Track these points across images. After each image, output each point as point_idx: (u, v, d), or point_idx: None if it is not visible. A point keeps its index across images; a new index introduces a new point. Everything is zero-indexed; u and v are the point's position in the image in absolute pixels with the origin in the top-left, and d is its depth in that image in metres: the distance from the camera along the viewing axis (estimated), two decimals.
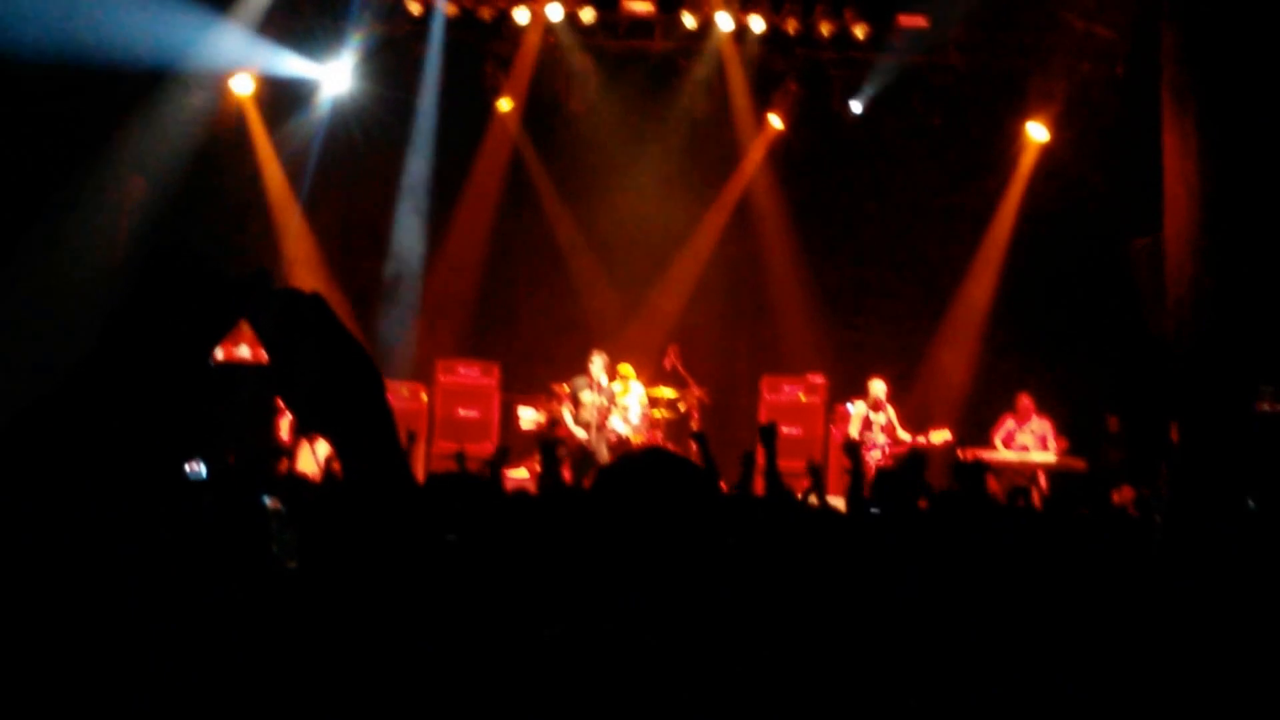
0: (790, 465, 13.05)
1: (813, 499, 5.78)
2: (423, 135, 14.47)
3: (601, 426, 12.84)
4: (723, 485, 4.34)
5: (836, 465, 13.23)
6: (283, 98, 13.90)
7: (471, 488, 4.12)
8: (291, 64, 13.63)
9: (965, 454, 12.63)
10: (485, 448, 13.34)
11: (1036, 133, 14.25)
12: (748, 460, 4.94)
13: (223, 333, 2.07)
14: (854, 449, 4.92)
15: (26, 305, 11.04)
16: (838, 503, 10.81)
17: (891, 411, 13.00)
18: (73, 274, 11.29)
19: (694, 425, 13.61)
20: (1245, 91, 10.12)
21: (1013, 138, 14.39)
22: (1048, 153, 14.24)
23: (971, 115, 14.22)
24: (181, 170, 12.92)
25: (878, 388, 13.00)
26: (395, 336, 14.35)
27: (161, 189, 12.77)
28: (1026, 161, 14.44)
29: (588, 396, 12.84)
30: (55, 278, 11.29)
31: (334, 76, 13.89)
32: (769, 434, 5.11)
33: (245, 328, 1.93)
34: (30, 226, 11.27)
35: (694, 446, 6.24)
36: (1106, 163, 13.00)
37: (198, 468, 6.00)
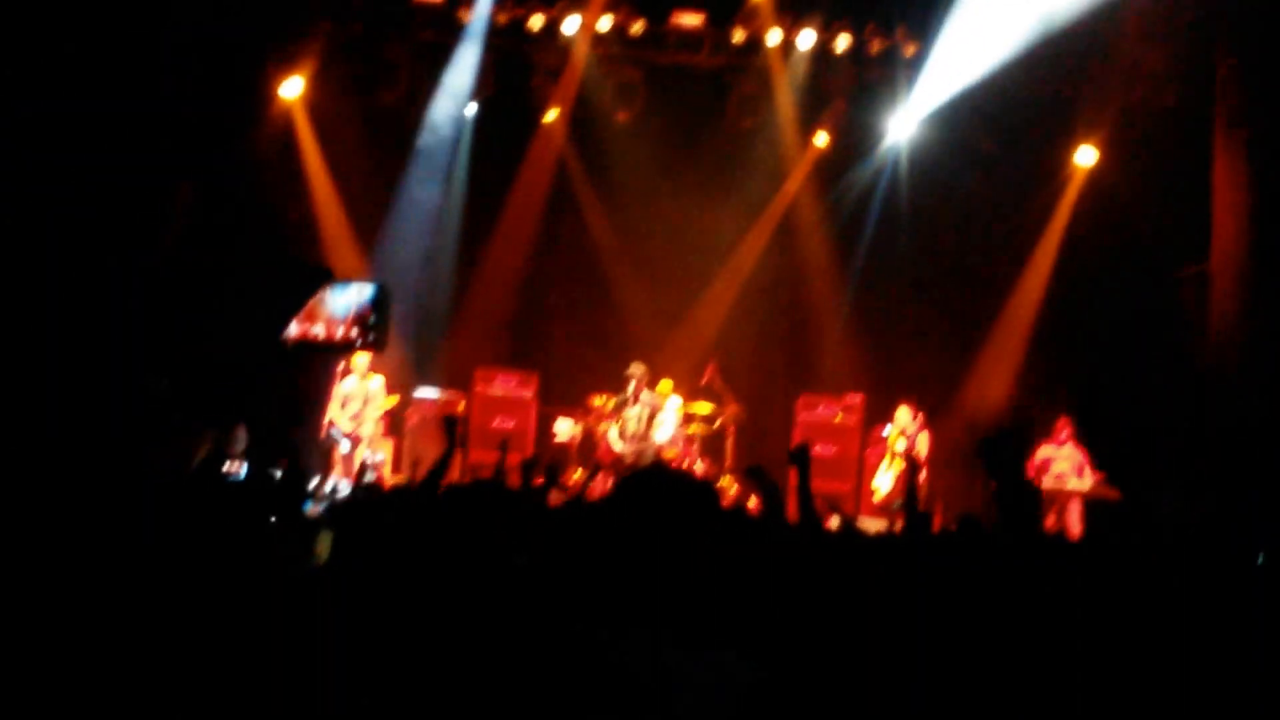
0: (826, 486, 13.06)
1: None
2: (467, 144, 14.55)
3: (644, 438, 12.84)
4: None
5: (869, 486, 13.21)
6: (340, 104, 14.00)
7: (506, 501, 4.12)
8: None
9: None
10: (519, 457, 13.39)
11: (1085, 158, 14.16)
12: (770, 487, 4.90)
13: (293, 314, 2.11)
14: (913, 464, 4.88)
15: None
16: (869, 524, 10.82)
17: (921, 438, 12.96)
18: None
19: (730, 443, 13.60)
20: None
21: (1061, 163, 14.30)
22: (1095, 179, 14.14)
23: (1020, 139, 14.14)
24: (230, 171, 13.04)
25: (905, 414, 13.00)
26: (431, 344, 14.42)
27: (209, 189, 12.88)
28: (1074, 187, 14.33)
29: (631, 411, 12.86)
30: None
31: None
32: (801, 456, 5.07)
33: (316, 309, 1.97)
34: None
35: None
36: (1154, 190, 12.89)
37: (238, 470, 6.04)
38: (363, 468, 12.00)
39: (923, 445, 12.81)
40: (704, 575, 2.42)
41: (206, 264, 12.17)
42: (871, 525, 10.73)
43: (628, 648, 2.36)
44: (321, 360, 12.54)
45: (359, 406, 12.71)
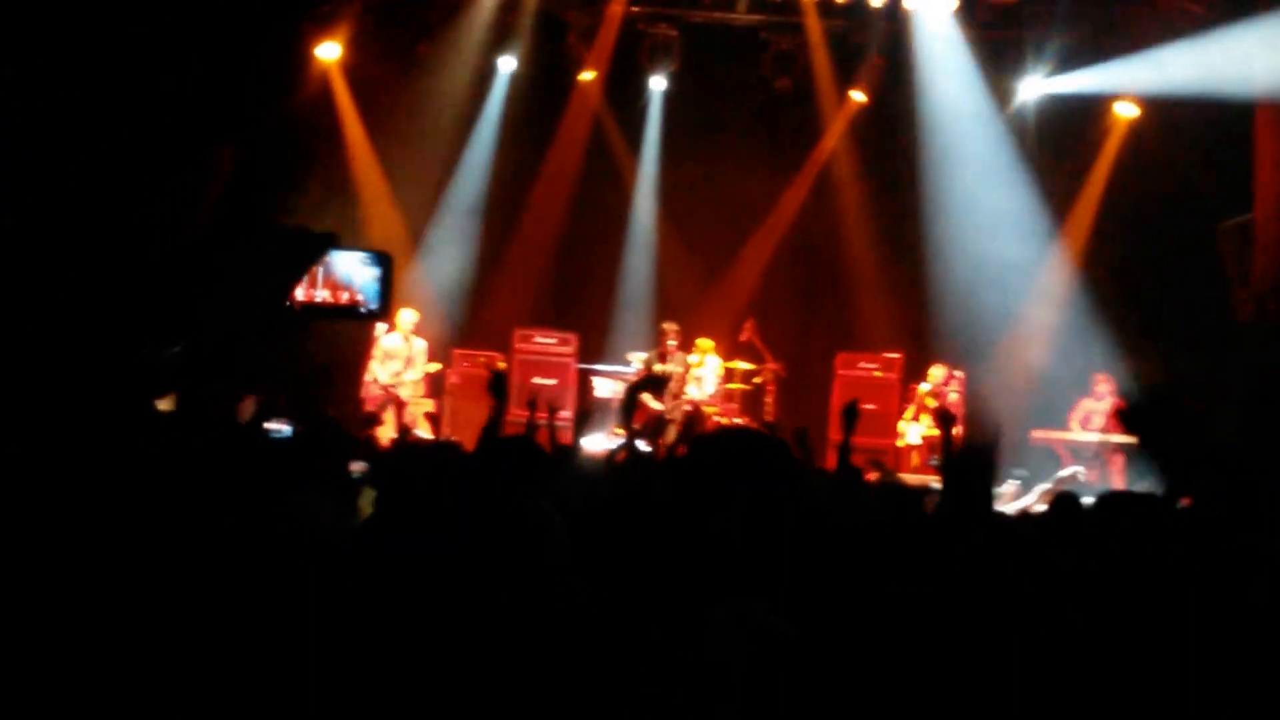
0: (864, 442, 13.10)
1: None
2: (505, 103, 14.58)
3: (678, 395, 12.91)
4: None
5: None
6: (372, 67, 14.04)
7: (541, 453, 4.19)
8: None
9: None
10: (560, 416, 13.47)
11: (1125, 111, 14.03)
12: (802, 436, 4.96)
13: (298, 277, 2.18)
14: (947, 417, 4.87)
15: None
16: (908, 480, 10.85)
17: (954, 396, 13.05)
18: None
19: (768, 401, 13.65)
20: None
21: (1100, 116, 14.18)
22: (1136, 131, 14.02)
23: (1059, 89, 14.02)
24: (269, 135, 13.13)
25: (939, 372, 13.07)
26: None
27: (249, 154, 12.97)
28: (1114, 140, 14.22)
29: (661, 366, 12.91)
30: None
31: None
32: (851, 413, 5.14)
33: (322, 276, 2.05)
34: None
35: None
36: (1196, 142, 12.77)
37: (282, 427, 6.14)
38: (404, 429, 12.10)
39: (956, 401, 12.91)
40: (766, 531, 2.46)
41: (242, 230, 12.34)
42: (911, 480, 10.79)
43: (663, 603, 2.42)
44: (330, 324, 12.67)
45: (400, 366, 12.79)
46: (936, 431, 12.61)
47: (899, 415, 13.68)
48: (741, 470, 2.50)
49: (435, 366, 13.07)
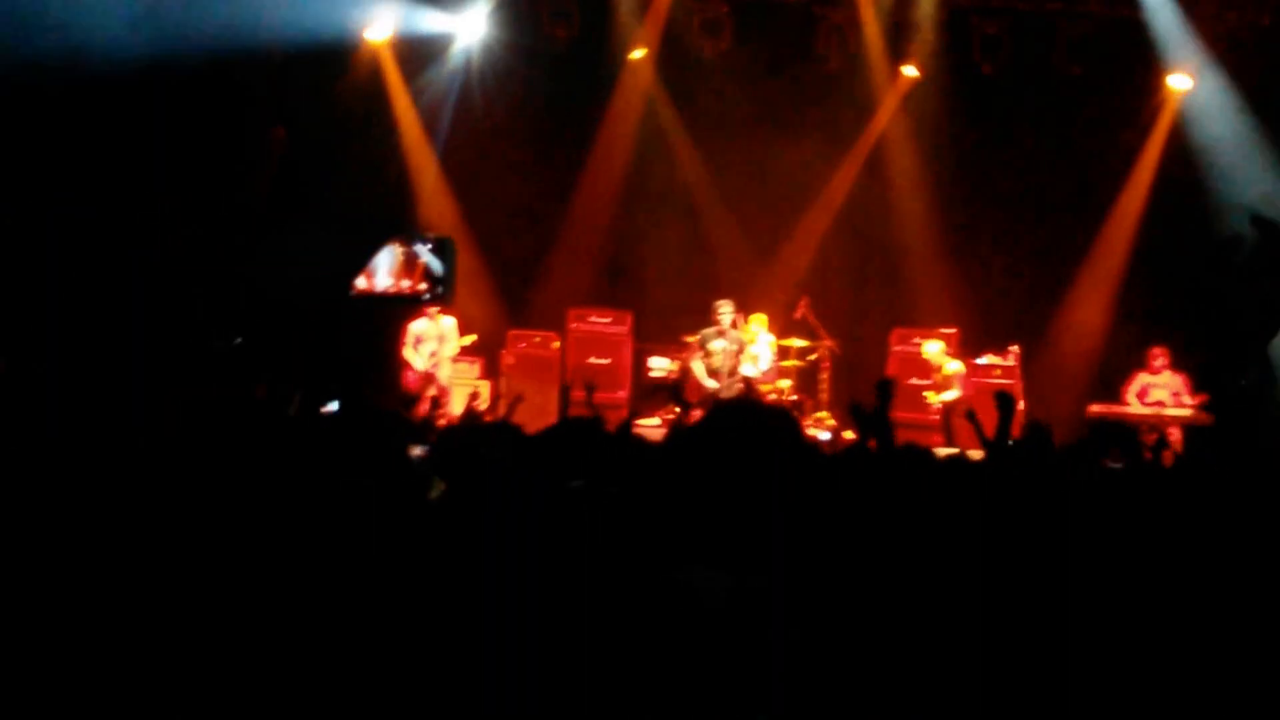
0: (920, 418, 13.09)
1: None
2: (555, 83, 14.59)
3: (732, 373, 12.91)
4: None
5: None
6: (419, 50, 14.09)
7: (599, 434, 4.23)
8: (428, 18, 13.83)
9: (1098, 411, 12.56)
10: (616, 396, 13.54)
11: (1179, 84, 13.88)
12: (858, 413, 4.96)
13: (362, 266, 2.25)
14: (1007, 399, 4.86)
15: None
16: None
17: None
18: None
19: (824, 377, 13.64)
20: None
21: (1154, 89, 14.03)
22: (1189, 103, 13.87)
23: (1112, 66, 13.91)
24: (321, 119, 13.24)
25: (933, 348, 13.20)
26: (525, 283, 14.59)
27: (302, 138, 13.09)
28: (1168, 113, 14.08)
29: (717, 345, 12.90)
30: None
31: (468, 26, 14.06)
32: (885, 389, 5.13)
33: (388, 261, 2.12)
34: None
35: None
36: (1250, 114, 12.63)
37: (332, 406, 6.22)
38: (433, 403, 12.06)
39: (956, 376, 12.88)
40: (773, 501, 2.50)
41: (297, 211, 12.48)
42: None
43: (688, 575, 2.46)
44: (389, 309, 12.78)
45: (435, 345, 12.87)
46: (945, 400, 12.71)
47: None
48: (740, 441, 2.53)
49: (470, 339, 13.10)
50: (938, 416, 13.11)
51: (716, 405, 2.77)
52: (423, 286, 12.53)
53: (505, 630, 2.61)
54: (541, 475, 3.49)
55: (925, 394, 13.21)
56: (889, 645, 2.59)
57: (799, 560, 2.51)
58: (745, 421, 2.63)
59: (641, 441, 4.67)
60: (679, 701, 2.32)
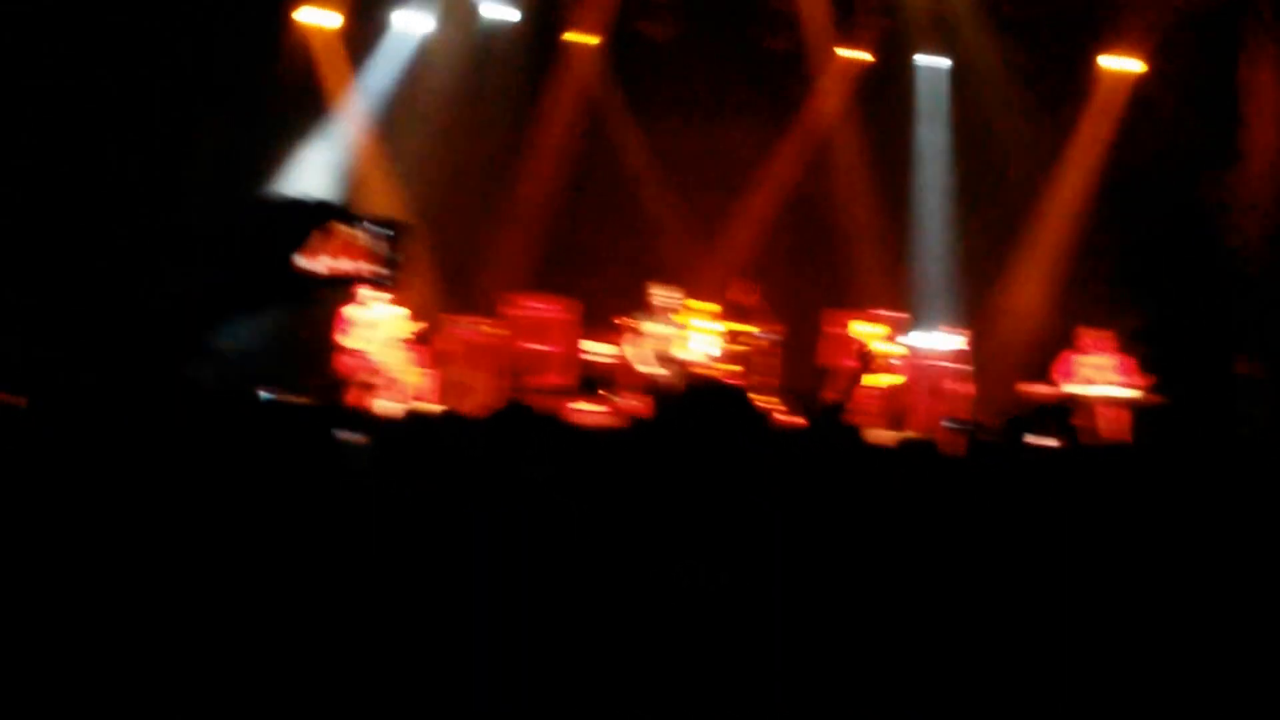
0: (857, 403, 13.10)
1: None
2: (497, 64, 14.45)
3: (670, 358, 12.86)
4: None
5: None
6: (362, 33, 13.92)
7: (541, 422, 4.15)
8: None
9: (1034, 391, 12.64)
10: (556, 382, 13.43)
11: (1122, 65, 14.00)
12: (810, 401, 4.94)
13: (298, 246, 2.16)
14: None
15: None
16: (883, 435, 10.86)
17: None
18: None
19: (766, 361, 13.61)
20: None
21: (1098, 70, 14.14)
22: (1133, 86, 13.98)
23: (1055, 48, 13.99)
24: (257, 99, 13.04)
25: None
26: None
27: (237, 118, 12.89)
28: (1104, 94, 14.19)
29: (651, 328, 12.85)
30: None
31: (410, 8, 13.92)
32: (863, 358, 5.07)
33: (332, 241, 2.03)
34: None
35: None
36: (1187, 95, 12.75)
37: (266, 393, 6.10)
38: (412, 403, 11.91)
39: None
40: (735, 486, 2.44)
41: (231, 193, 12.28)
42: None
43: (643, 558, 2.40)
44: (332, 292, 12.55)
45: (372, 331, 12.59)
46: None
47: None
48: (706, 428, 2.48)
49: (412, 327, 12.79)
50: (874, 400, 13.13)
51: (673, 394, 2.69)
52: (369, 270, 12.30)
53: (474, 624, 2.54)
54: (507, 467, 3.41)
55: (862, 377, 13.21)
56: (872, 637, 2.54)
57: (781, 550, 2.45)
58: (711, 410, 2.56)
59: (584, 428, 4.61)
60: (665, 695, 2.26)
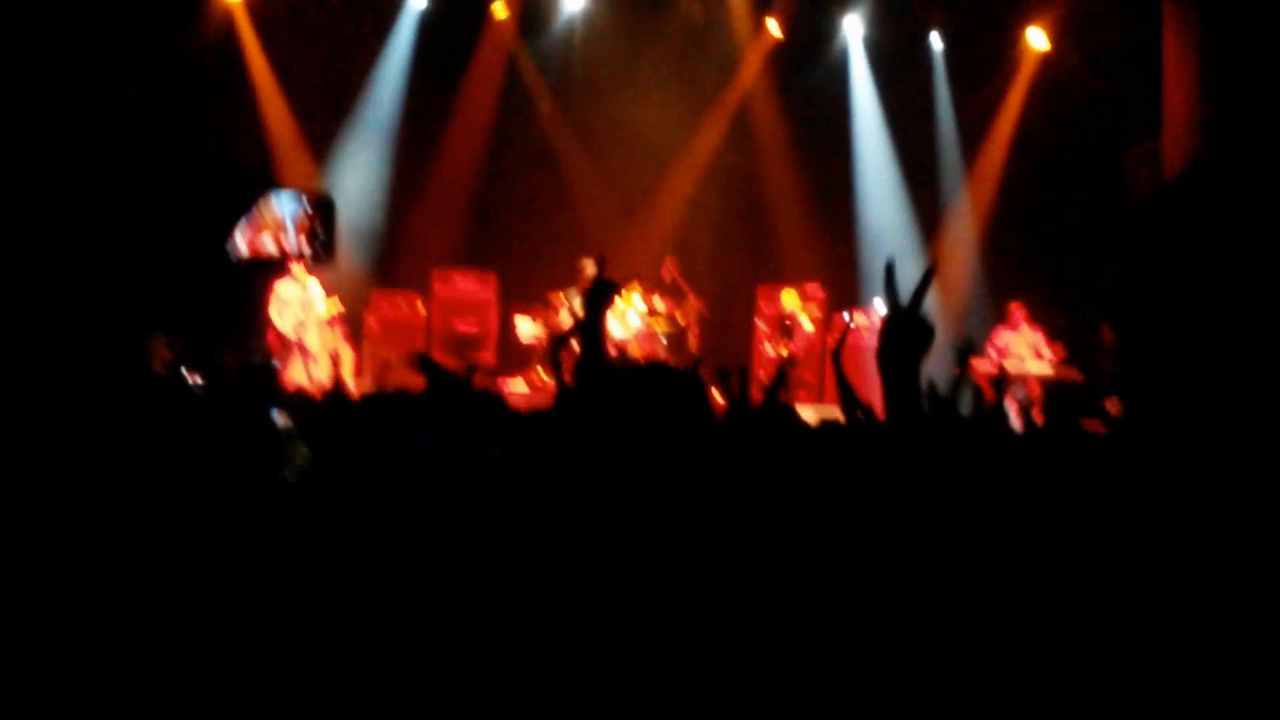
0: (791, 376, 13.18)
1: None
2: (418, 39, 14.31)
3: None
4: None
5: (833, 376, 13.33)
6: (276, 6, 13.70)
7: (475, 400, 4.12)
8: None
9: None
10: (482, 357, 13.38)
11: (1037, 40, 14.13)
12: (731, 375, 4.89)
13: (234, 221, 2.12)
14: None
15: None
16: (809, 413, 10.94)
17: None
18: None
19: (692, 338, 13.64)
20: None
21: (1013, 44, 14.27)
22: (1048, 60, 14.13)
23: (971, 22, 14.10)
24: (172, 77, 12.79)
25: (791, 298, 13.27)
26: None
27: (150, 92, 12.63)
28: (1026, 69, 14.34)
29: (581, 303, 12.80)
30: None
31: None
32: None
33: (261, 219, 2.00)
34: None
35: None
36: (1107, 70, 12.90)
37: (196, 380, 6.01)
38: (336, 375, 11.71)
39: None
40: (679, 467, 2.44)
41: (150, 171, 12.04)
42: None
43: (590, 538, 2.39)
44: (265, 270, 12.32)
45: (299, 310, 12.40)
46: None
47: (821, 347, 13.76)
48: (649, 407, 2.48)
49: (335, 304, 12.57)
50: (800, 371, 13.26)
51: (613, 372, 2.68)
52: (301, 244, 12.08)
53: (426, 606, 2.51)
54: (457, 443, 3.37)
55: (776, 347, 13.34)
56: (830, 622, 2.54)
57: (731, 527, 2.45)
58: (653, 385, 2.55)
59: (511, 405, 4.58)
60: (625, 678, 2.25)
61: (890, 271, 2.93)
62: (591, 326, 3.95)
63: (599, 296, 4.06)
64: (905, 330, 2.85)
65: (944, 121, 14.59)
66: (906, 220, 14.65)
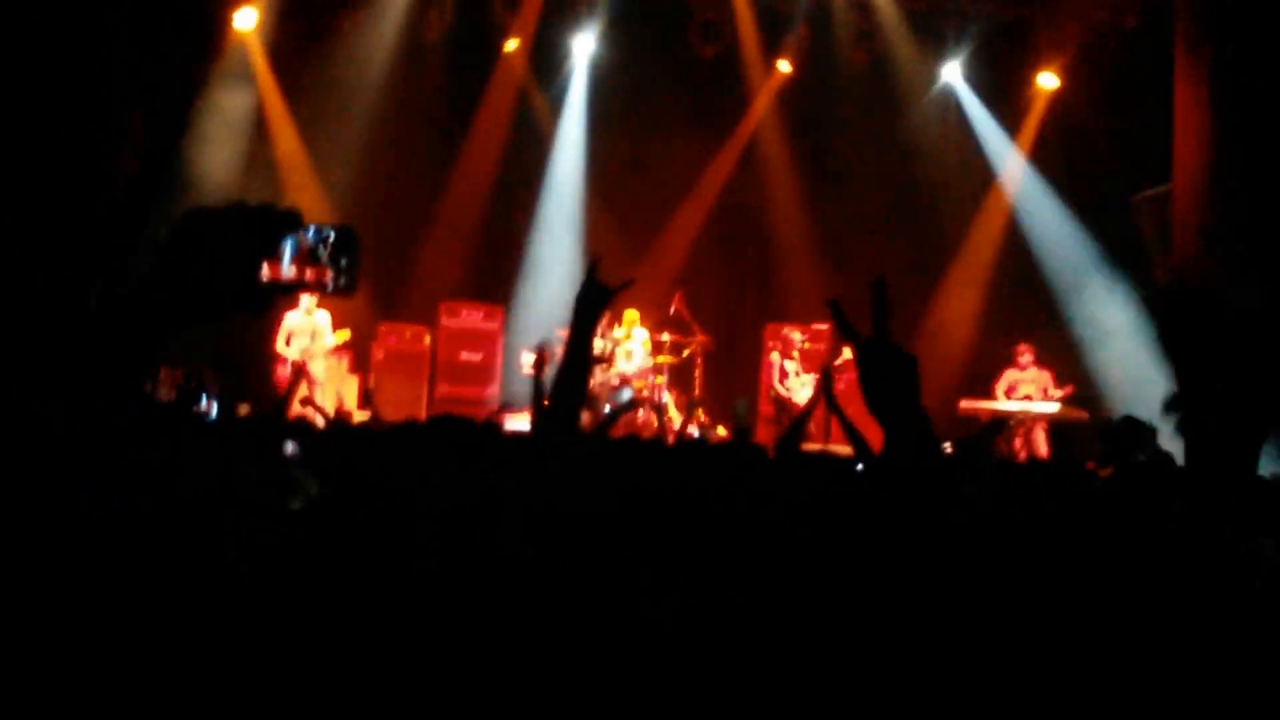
0: (796, 409, 13.14)
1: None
2: (430, 74, 14.36)
3: (606, 369, 12.84)
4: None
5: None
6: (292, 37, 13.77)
7: (472, 431, 4.11)
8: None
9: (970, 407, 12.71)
10: (485, 391, 13.41)
11: (1046, 82, 14.18)
12: (741, 414, 4.89)
13: (264, 255, 2.13)
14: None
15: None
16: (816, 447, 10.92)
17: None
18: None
19: (697, 371, 13.63)
20: (1258, 45, 10.06)
21: (1023, 87, 14.31)
22: (1057, 102, 14.17)
23: (981, 64, 14.15)
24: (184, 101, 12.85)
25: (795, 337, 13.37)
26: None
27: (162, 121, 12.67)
28: (1036, 111, 14.37)
29: (594, 342, 12.79)
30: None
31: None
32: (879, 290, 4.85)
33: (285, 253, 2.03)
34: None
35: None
36: (1116, 113, 12.94)
37: (211, 409, 6.01)
38: (340, 413, 11.71)
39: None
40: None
41: (163, 201, 12.07)
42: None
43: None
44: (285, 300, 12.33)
45: (306, 341, 12.42)
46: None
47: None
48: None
49: (344, 335, 12.60)
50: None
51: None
52: (324, 277, 12.06)
53: (432, 641, 2.50)
54: (445, 480, 3.36)
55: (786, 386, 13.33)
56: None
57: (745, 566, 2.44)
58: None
59: (515, 438, 4.56)
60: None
61: (881, 290, 2.77)
62: (580, 335, 3.49)
63: (590, 302, 3.51)
64: (879, 358, 2.79)
65: (953, 158, 14.61)
66: (909, 258, 14.67)
